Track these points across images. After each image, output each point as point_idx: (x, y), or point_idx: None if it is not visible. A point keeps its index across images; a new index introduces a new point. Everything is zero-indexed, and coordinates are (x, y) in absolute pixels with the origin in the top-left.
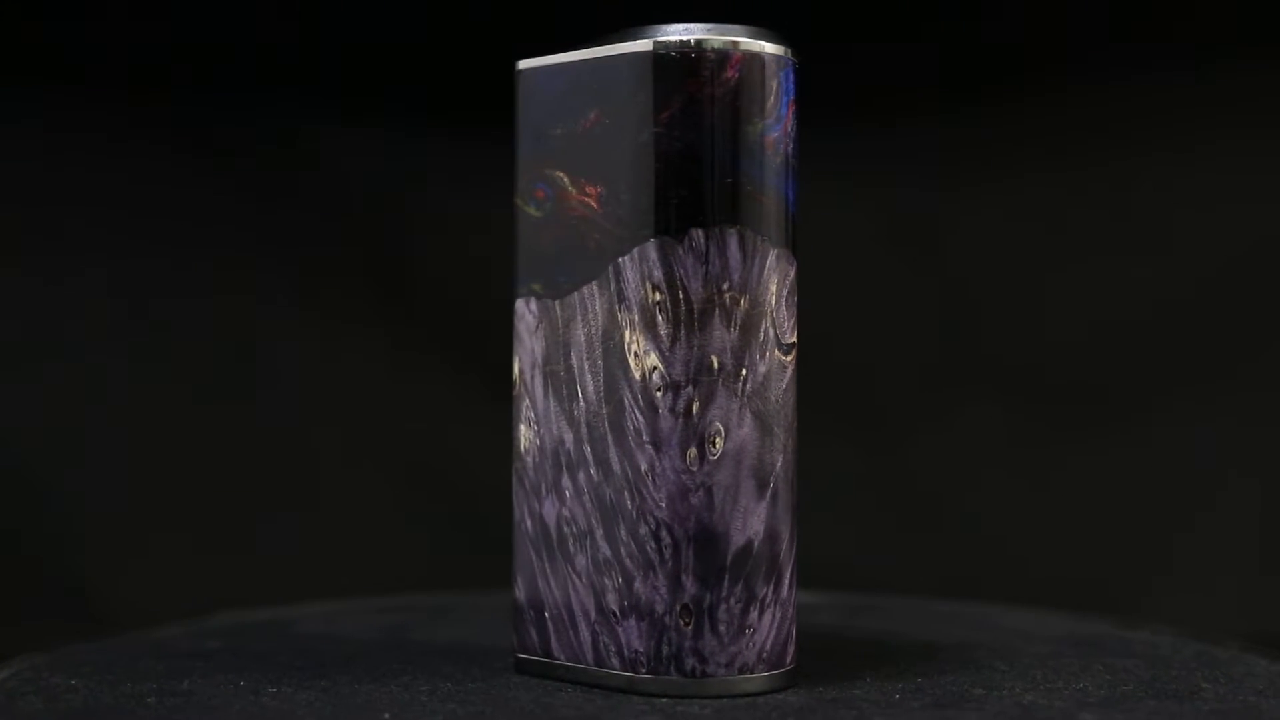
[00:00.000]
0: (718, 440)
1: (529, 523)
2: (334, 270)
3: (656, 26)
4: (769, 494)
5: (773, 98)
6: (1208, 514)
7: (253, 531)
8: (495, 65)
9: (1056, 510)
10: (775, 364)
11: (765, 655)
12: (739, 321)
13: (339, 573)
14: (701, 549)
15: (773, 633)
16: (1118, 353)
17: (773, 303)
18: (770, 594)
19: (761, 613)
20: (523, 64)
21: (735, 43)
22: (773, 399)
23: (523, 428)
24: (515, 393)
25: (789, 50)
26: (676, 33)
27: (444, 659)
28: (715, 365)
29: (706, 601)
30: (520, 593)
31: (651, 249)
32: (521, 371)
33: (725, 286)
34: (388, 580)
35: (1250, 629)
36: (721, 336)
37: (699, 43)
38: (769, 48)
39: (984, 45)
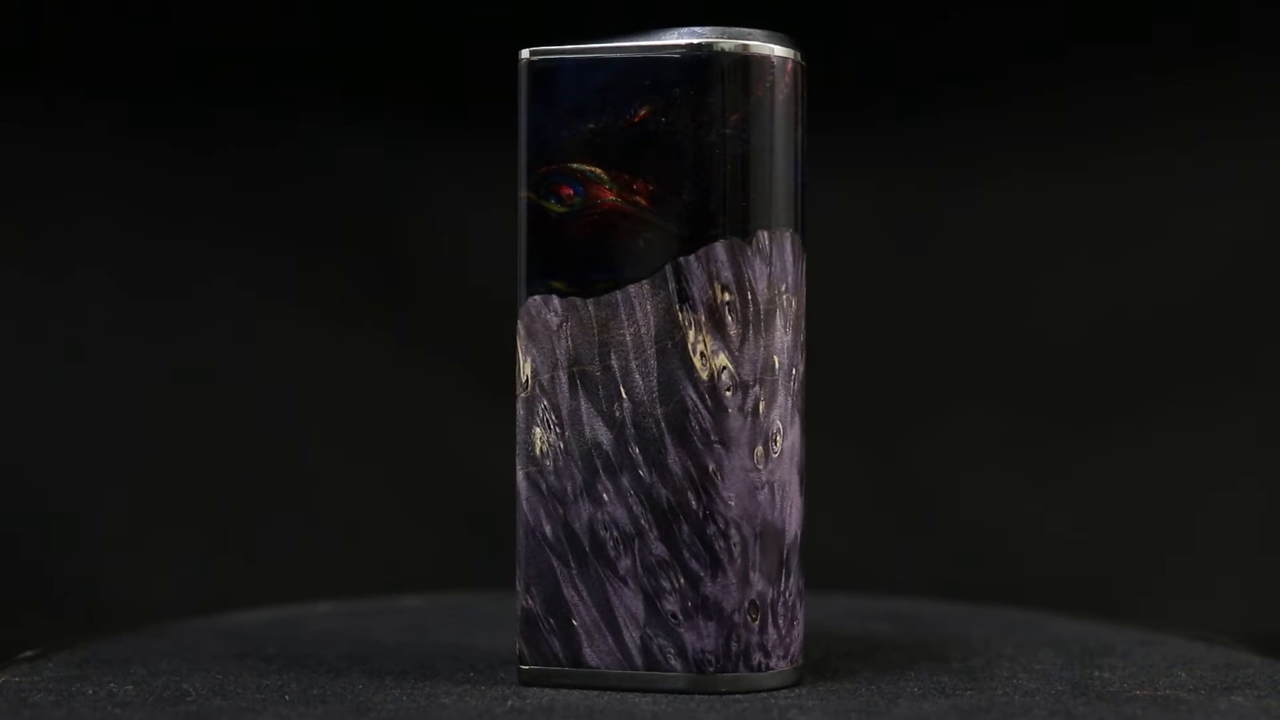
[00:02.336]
0: (778, 439)
1: (549, 528)
2: (334, 270)
3: (710, 28)
4: (804, 489)
5: (804, 105)
6: (1208, 514)
7: (253, 531)
8: (495, 64)
9: (1056, 510)
10: (804, 363)
11: (801, 647)
12: (791, 322)
13: (339, 573)
14: (766, 546)
15: (803, 625)
16: (1118, 353)
17: (806, 303)
18: (804, 587)
19: (801, 605)
20: (531, 53)
21: (788, 50)
22: (804, 396)
23: (539, 430)
24: (526, 394)
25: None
26: (740, 36)
27: (460, 660)
28: (776, 365)
29: (770, 597)
30: (533, 603)
31: (720, 249)
32: (536, 372)
33: (784, 288)
34: (388, 580)
35: (1250, 629)
36: (781, 337)
37: (763, 48)
38: (797, 55)
39: (984, 44)
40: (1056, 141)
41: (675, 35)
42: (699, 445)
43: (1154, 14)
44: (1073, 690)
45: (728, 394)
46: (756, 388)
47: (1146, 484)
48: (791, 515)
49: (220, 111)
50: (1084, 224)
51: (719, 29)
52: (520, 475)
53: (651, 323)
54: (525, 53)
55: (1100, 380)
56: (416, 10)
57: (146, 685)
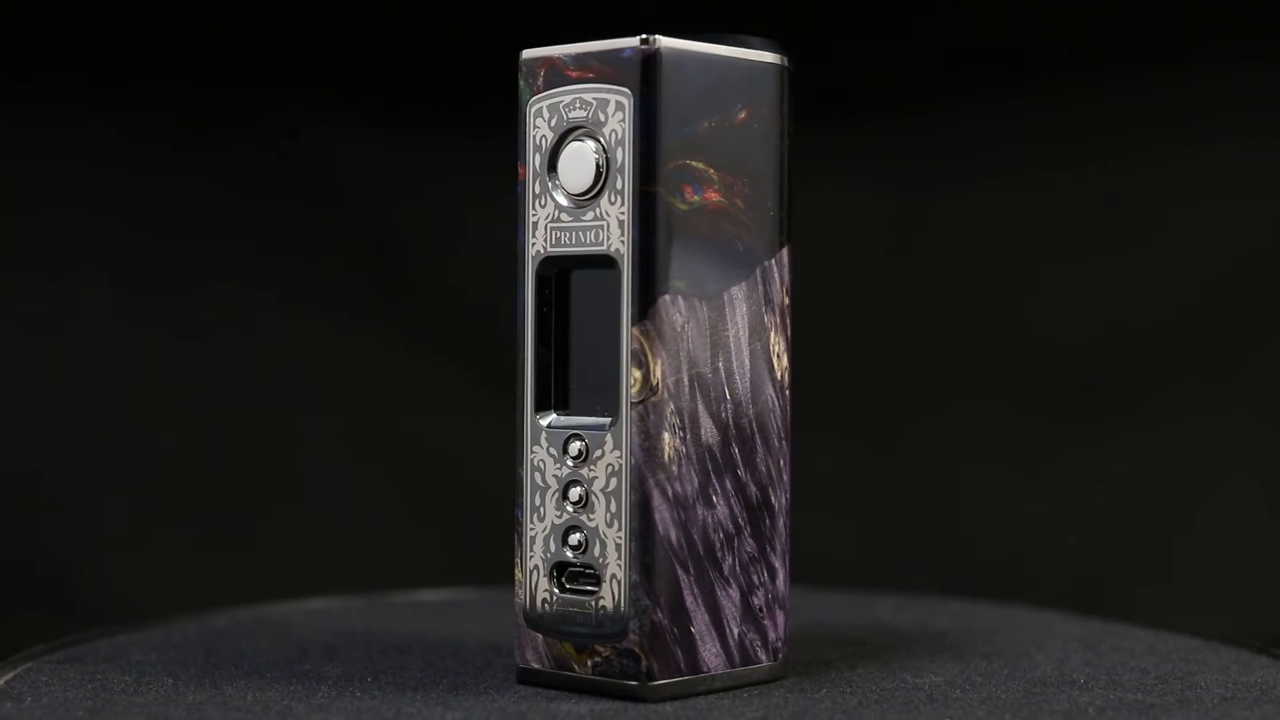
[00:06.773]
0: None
1: (674, 535)
2: (334, 269)
3: (766, 39)
4: None
5: None
6: (1208, 514)
7: (253, 531)
8: (495, 65)
9: (1056, 510)
10: None
11: None
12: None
13: (339, 572)
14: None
15: None
16: (1117, 352)
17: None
18: None
19: None
20: (646, 40)
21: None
22: None
23: (668, 436)
24: (656, 399)
25: None
26: (743, 43)
27: (460, 659)
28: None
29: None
30: (662, 615)
31: (785, 254)
32: (664, 375)
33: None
34: (388, 579)
35: (1250, 629)
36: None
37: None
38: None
39: (984, 45)
40: (1056, 141)
41: (756, 42)
42: (776, 442)
43: (1154, 15)
44: (1072, 688)
45: (787, 393)
46: (791, 386)
47: (1147, 483)
48: None
49: (220, 111)
50: (1084, 224)
51: (767, 39)
52: (650, 483)
53: (745, 325)
54: (636, 40)
55: (1100, 380)
56: (416, 11)
57: (145, 684)
